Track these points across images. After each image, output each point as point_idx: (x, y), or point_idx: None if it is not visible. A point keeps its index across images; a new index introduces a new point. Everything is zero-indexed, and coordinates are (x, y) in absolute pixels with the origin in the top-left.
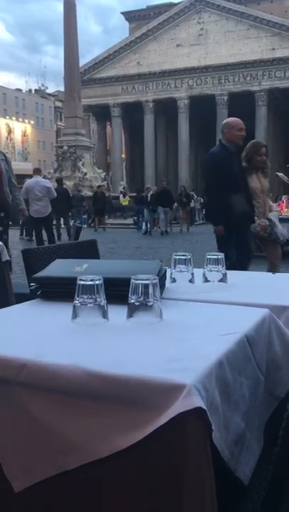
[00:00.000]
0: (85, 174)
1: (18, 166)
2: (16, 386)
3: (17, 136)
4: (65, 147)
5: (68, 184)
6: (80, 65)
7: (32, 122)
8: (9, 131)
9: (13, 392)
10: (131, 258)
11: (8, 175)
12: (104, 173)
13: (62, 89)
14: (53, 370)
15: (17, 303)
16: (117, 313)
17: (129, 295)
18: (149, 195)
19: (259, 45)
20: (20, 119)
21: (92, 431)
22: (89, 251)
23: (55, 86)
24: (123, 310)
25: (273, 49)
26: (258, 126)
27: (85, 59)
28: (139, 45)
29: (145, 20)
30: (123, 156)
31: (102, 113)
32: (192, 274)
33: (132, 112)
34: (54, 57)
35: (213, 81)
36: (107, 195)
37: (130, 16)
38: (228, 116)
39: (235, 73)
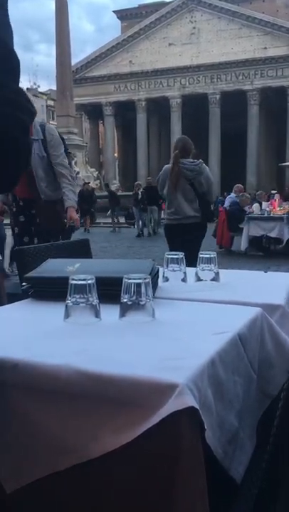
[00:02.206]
0: (78, 173)
1: None
2: (8, 386)
3: None
4: None
5: None
6: (73, 63)
7: None
8: None
9: (4, 393)
10: (124, 257)
11: (44, 162)
12: (96, 172)
13: (54, 87)
14: (45, 370)
15: (9, 303)
16: (110, 313)
17: (122, 294)
18: (139, 192)
19: (251, 44)
20: None
21: (85, 431)
22: (81, 250)
23: (48, 85)
24: (115, 309)
25: (265, 48)
26: (250, 125)
27: (78, 57)
28: (132, 44)
29: (137, 18)
30: (116, 154)
31: (94, 112)
32: (185, 273)
33: (125, 111)
34: (46, 56)
35: (206, 80)
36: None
37: (122, 14)
38: (221, 116)
39: (227, 72)
